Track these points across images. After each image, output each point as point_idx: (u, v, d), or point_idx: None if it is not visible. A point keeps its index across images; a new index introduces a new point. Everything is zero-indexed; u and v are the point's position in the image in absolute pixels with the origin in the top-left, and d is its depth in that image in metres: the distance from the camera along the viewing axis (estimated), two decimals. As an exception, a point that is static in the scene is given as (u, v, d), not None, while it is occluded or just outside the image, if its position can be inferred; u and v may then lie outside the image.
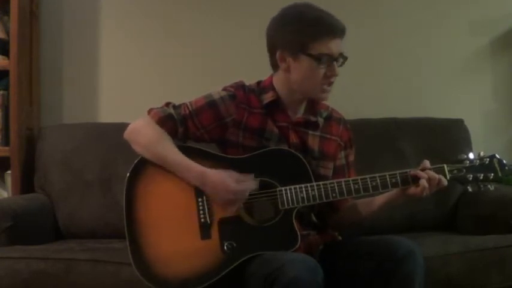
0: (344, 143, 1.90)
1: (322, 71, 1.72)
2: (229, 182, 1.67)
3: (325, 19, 1.72)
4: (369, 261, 1.63)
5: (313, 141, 1.83)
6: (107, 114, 2.83)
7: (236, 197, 1.67)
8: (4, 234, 2.16)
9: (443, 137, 2.62)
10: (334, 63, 1.73)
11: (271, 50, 1.78)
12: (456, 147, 2.52)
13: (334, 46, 1.71)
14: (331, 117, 1.90)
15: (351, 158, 1.93)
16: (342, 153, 1.90)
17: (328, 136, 1.86)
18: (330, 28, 1.71)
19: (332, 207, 1.85)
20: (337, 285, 1.66)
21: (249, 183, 1.69)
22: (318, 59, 1.70)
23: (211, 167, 1.72)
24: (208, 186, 1.69)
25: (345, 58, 1.75)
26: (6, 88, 2.57)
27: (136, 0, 2.88)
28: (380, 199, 1.78)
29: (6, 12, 2.56)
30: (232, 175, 1.69)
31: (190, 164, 1.71)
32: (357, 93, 2.81)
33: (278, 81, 1.81)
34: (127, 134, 1.81)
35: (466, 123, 2.71)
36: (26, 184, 2.57)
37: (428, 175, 1.67)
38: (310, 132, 1.83)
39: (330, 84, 1.76)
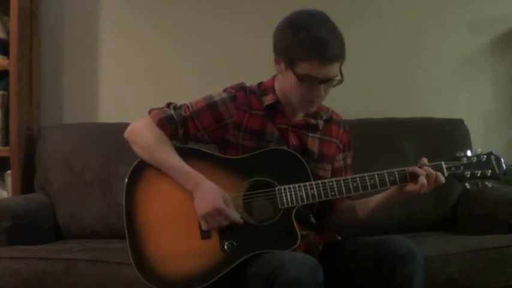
0: (343, 146, 1.90)
1: (304, 89, 1.70)
2: (218, 200, 1.65)
3: (321, 42, 1.65)
4: (368, 261, 1.63)
5: (313, 143, 1.83)
6: (107, 114, 2.83)
7: (216, 217, 1.65)
8: (4, 234, 2.16)
9: (443, 137, 2.63)
10: (321, 86, 1.69)
11: (273, 51, 1.78)
12: (456, 147, 2.49)
13: (322, 71, 1.66)
14: (331, 120, 1.90)
15: (349, 161, 1.93)
16: (340, 156, 1.90)
17: (328, 138, 1.86)
18: (320, 54, 1.64)
19: (328, 207, 1.85)
20: (337, 285, 1.66)
21: (234, 214, 1.67)
22: (300, 79, 1.68)
23: (210, 167, 1.73)
24: (198, 194, 1.68)
25: (340, 81, 1.71)
26: (6, 88, 2.57)
27: (137, 1, 2.88)
28: (377, 198, 1.78)
29: (6, 12, 2.56)
30: (225, 197, 1.67)
31: (188, 170, 1.71)
32: (357, 93, 2.81)
33: (277, 83, 1.82)
34: (127, 134, 1.81)
35: (466, 123, 2.71)
36: (26, 184, 2.57)
37: (427, 171, 1.67)
38: (310, 134, 1.83)
39: (314, 102, 1.74)
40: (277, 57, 1.74)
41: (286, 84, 1.75)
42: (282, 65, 1.73)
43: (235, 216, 1.67)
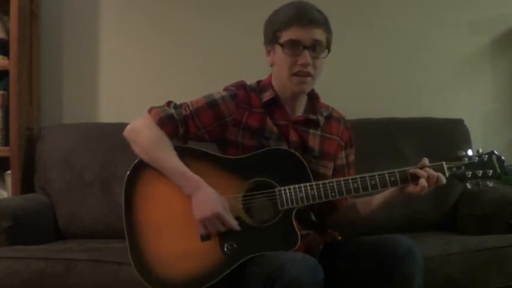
0: (344, 143, 1.90)
1: (290, 58, 1.73)
2: (218, 205, 1.65)
3: (296, 8, 1.73)
4: (368, 261, 1.63)
5: (314, 140, 1.83)
6: (107, 114, 2.83)
7: (214, 221, 1.65)
8: (4, 234, 2.16)
9: (443, 137, 2.62)
10: (306, 51, 1.72)
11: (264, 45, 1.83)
12: (456, 147, 2.50)
13: (303, 34, 1.71)
14: (332, 117, 1.90)
15: (351, 158, 1.93)
16: (343, 153, 1.90)
17: (329, 136, 1.86)
18: (297, 17, 1.71)
19: (330, 206, 1.85)
20: (337, 285, 1.66)
21: (232, 222, 1.67)
22: (285, 46, 1.72)
23: (210, 168, 1.73)
24: (197, 198, 1.67)
25: (322, 48, 1.74)
26: (6, 88, 2.57)
27: (137, 1, 2.88)
28: (379, 198, 1.77)
29: (6, 12, 2.56)
30: (225, 205, 1.67)
31: (188, 174, 1.70)
32: (357, 93, 2.81)
33: (273, 78, 1.83)
34: (127, 133, 1.81)
35: (466, 123, 2.71)
36: (26, 184, 2.57)
37: (428, 173, 1.67)
38: (311, 131, 1.83)
39: (302, 74, 1.74)
40: (266, 47, 1.80)
41: (277, 68, 1.78)
42: (271, 51, 1.78)
43: (233, 223, 1.67)
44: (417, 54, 2.90)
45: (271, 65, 1.81)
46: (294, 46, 1.72)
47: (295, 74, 1.74)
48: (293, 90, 1.78)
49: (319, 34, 1.73)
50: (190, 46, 2.86)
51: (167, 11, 2.87)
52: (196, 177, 1.70)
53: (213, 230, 1.66)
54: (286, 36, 1.73)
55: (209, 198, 1.66)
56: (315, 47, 1.73)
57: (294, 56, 1.72)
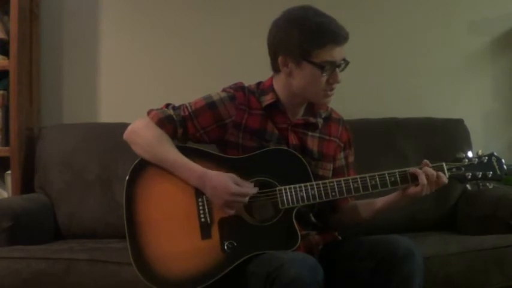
0: (343, 144, 1.90)
1: (324, 78, 1.71)
2: (229, 184, 1.66)
3: (329, 26, 1.69)
4: (368, 261, 1.63)
5: (313, 142, 1.83)
6: (107, 114, 2.83)
7: (235, 199, 1.66)
8: (4, 234, 2.16)
9: (443, 137, 2.62)
10: (337, 70, 1.72)
11: (273, 54, 1.77)
12: (456, 147, 2.52)
13: (337, 53, 1.70)
14: (331, 118, 1.90)
15: (351, 159, 1.93)
16: (341, 154, 1.90)
17: (327, 137, 1.86)
18: (333, 36, 1.68)
19: (332, 207, 1.85)
20: (337, 285, 1.67)
21: (249, 188, 1.69)
22: (321, 67, 1.69)
23: (211, 167, 1.72)
24: (207, 187, 1.69)
25: (347, 63, 1.74)
26: (6, 88, 2.57)
27: (137, 1, 2.88)
28: (381, 201, 1.78)
29: (6, 12, 2.57)
30: (233, 177, 1.68)
31: (191, 165, 1.71)
32: (357, 93, 2.81)
33: (279, 83, 1.81)
34: (126, 135, 1.81)
35: (466, 123, 2.71)
36: (26, 184, 2.57)
37: (426, 171, 1.67)
38: (310, 133, 1.83)
39: (333, 89, 1.75)
40: (283, 58, 1.74)
41: (300, 81, 1.74)
42: (292, 64, 1.73)
43: (252, 190, 1.68)
44: (417, 54, 2.90)
45: (286, 75, 1.76)
46: (330, 67, 1.70)
47: (325, 90, 1.74)
48: (320, 102, 1.81)
49: (344, 50, 1.72)
50: (190, 46, 2.86)
51: (167, 11, 2.86)
52: (200, 168, 1.71)
53: (239, 207, 1.68)
54: (320, 55, 1.68)
55: (218, 181, 1.67)
56: (344, 64, 1.73)
57: (327, 76, 1.71)
